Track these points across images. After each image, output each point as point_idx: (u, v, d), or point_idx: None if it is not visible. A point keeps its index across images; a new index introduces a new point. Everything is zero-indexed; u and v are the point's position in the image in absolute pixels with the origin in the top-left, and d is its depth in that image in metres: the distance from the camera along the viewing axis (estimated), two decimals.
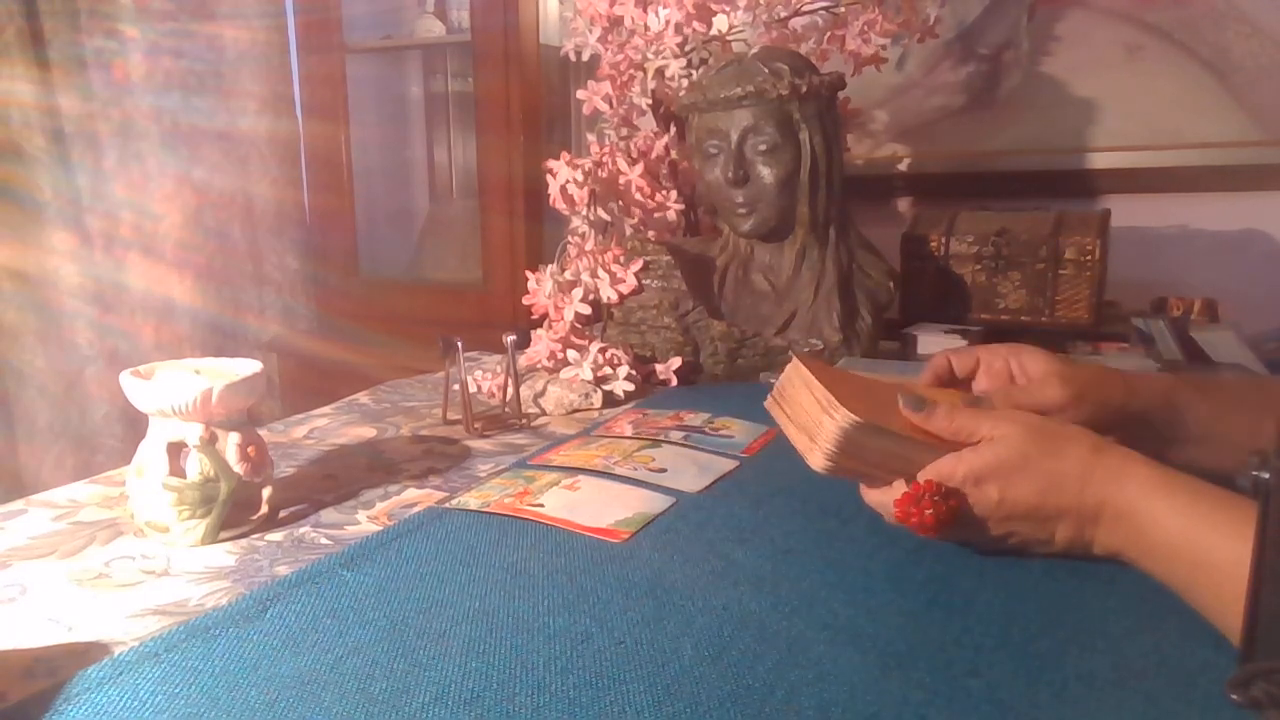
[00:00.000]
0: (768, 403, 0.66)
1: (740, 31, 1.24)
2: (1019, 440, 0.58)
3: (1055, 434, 0.58)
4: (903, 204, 1.65)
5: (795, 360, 0.64)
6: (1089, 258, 1.25)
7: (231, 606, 0.56)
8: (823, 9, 1.27)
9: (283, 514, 0.73)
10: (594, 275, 1.15)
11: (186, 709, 0.46)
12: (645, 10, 1.25)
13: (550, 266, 1.17)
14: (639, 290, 1.15)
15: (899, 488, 0.59)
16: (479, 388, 1.07)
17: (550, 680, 0.48)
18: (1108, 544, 0.57)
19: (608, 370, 1.08)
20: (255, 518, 0.71)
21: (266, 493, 0.71)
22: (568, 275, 1.16)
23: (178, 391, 0.66)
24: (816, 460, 0.59)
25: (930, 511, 0.57)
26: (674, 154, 1.32)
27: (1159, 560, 0.54)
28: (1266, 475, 0.43)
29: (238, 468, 0.68)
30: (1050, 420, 0.60)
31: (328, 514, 0.73)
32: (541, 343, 1.13)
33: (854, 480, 0.63)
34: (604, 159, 1.25)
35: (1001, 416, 0.60)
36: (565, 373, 1.08)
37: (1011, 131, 1.54)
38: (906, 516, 0.58)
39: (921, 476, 0.59)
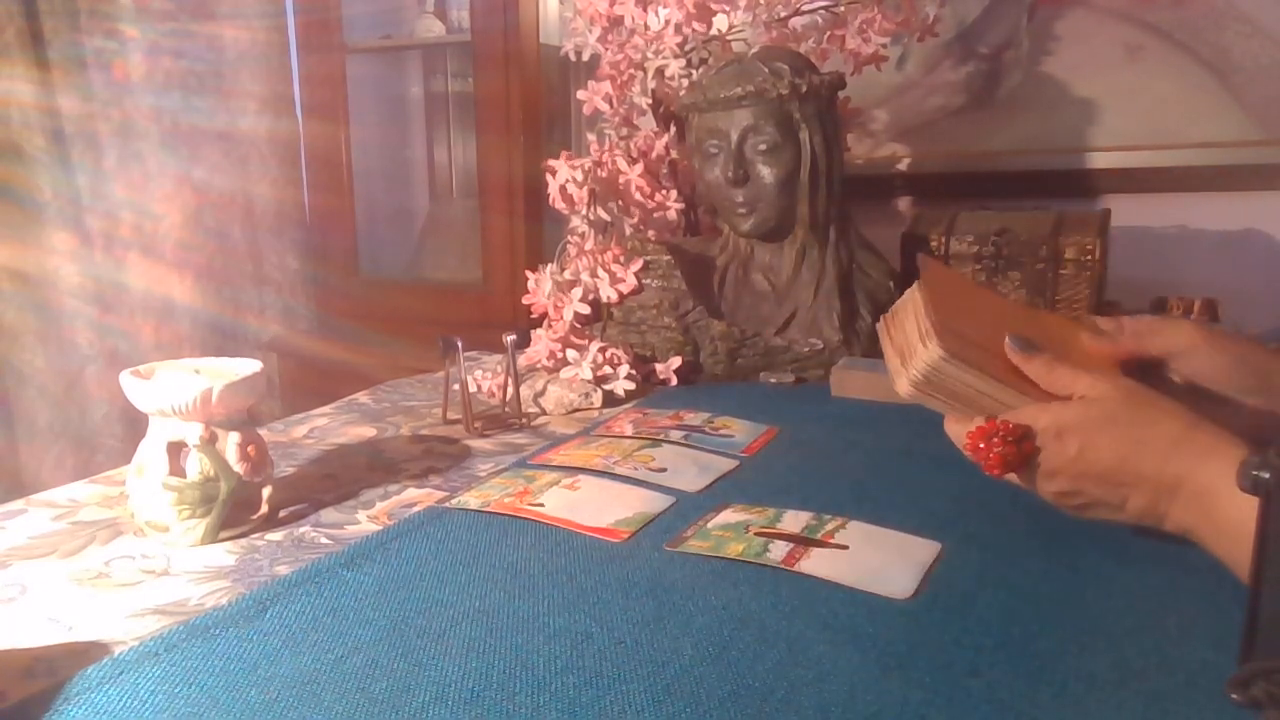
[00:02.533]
0: (879, 322, 0.65)
1: (740, 31, 1.24)
2: (1112, 402, 0.57)
3: (1151, 403, 0.57)
4: (903, 204, 1.65)
5: (919, 284, 0.63)
6: (1089, 258, 1.25)
7: (231, 606, 0.56)
8: (823, 9, 1.27)
9: (283, 514, 0.73)
10: (594, 275, 1.15)
11: (186, 709, 0.46)
12: (645, 10, 1.25)
13: (550, 266, 1.17)
14: (639, 290, 1.15)
15: (977, 422, 0.59)
16: (479, 387, 1.07)
17: (550, 680, 0.48)
18: (1181, 520, 0.55)
19: (608, 370, 1.08)
20: (255, 517, 0.71)
21: (266, 492, 0.71)
22: (568, 275, 1.16)
23: (178, 391, 0.66)
24: (901, 385, 0.60)
25: (999, 451, 0.57)
26: (674, 154, 1.32)
27: (1228, 542, 0.52)
28: (1266, 475, 0.43)
29: (238, 467, 0.68)
30: (1151, 390, 0.58)
31: (328, 514, 0.73)
32: (541, 342, 1.13)
33: (936, 410, 0.62)
34: (604, 159, 1.25)
35: (1101, 377, 0.58)
36: (565, 372, 1.08)
37: (1011, 131, 1.54)
38: (975, 451, 0.58)
39: (1002, 419, 0.58)
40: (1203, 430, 0.55)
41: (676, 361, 1.12)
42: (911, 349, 0.59)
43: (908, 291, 0.64)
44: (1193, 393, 0.62)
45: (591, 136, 1.32)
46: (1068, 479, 0.58)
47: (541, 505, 0.72)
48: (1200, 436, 0.54)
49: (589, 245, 1.19)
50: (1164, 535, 0.64)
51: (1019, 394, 0.59)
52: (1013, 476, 0.60)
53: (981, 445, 0.57)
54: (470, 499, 0.74)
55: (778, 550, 0.62)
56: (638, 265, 1.15)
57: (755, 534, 0.65)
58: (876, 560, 0.61)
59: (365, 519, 0.72)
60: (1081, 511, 0.60)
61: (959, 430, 0.61)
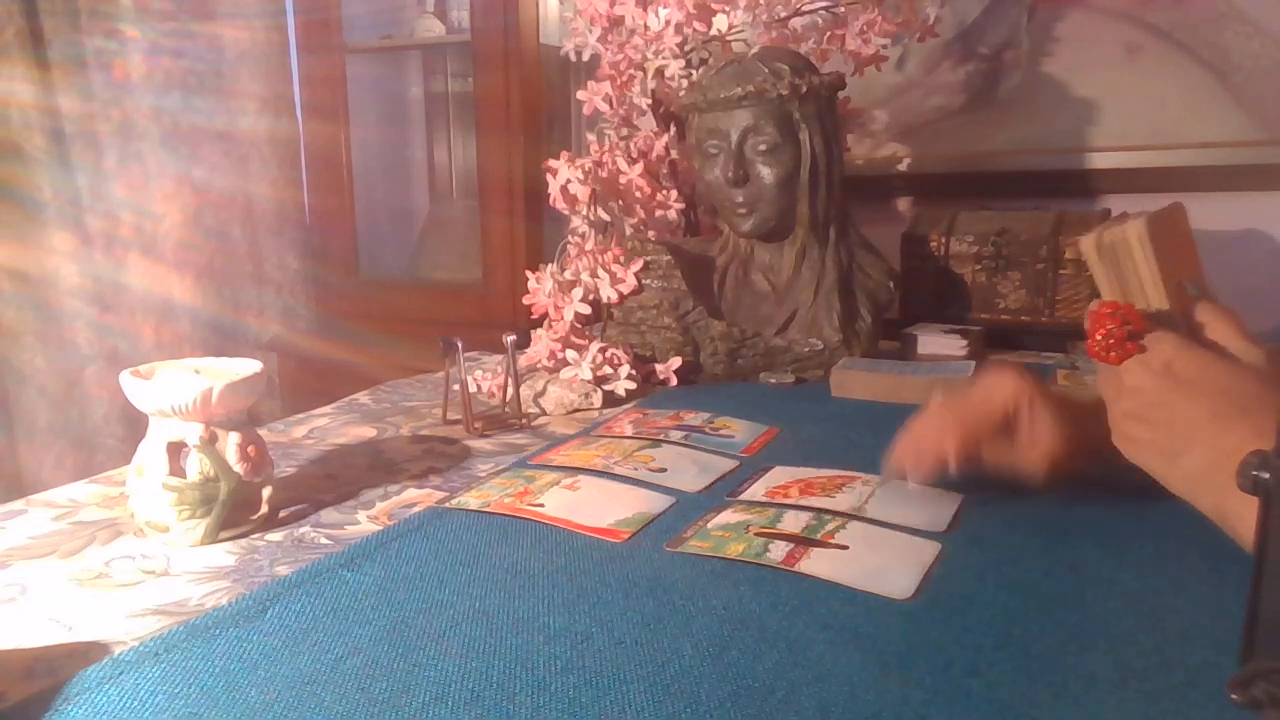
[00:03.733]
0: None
1: (740, 31, 1.24)
2: (1246, 374, 0.55)
3: (1277, 395, 0.54)
4: (903, 204, 1.65)
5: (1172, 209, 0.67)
6: (1144, 214, 1.24)
7: (231, 606, 0.56)
8: (823, 9, 1.26)
9: (283, 514, 0.73)
10: (594, 275, 1.15)
11: (186, 709, 0.46)
12: (645, 10, 1.25)
13: (550, 266, 1.17)
14: (639, 290, 1.15)
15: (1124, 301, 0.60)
16: (479, 388, 1.07)
17: (550, 680, 0.48)
18: (1223, 503, 0.53)
19: (608, 370, 1.08)
20: (255, 518, 0.71)
21: (266, 493, 0.71)
22: (568, 275, 1.16)
23: (178, 391, 0.66)
24: (1087, 240, 0.62)
25: (1110, 328, 0.57)
26: (674, 154, 1.32)
27: None
28: (1266, 475, 0.43)
29: (238, 468, 0.68)
30: None
31: (328, 514, 0.73)
32: (541, 343, 1.13)
33: (1097, 281, 0.64)
34: (604, 159, 1.25)
35: (1259, 350, 0.57)
36: (565, 373, 1.08)
37: (1011, 131, 1.54)
38: (1094, 320, 0.59)
39: (1148, 320, 0.58)
40: None
41: (676, 362, 1.12)
42: (1120, 224, 0.62)
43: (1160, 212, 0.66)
44: None
45: (591, 136, 1.32)
46: (1145, 403, 0.56)
47: (541, 505, 0.72)
48: None
49: (589, 245, 1.19)
50: (1164, 536, 0.64)
51: (1173, 313, 0.59)
52: (1104, 373, 0.59)
53: (1104, 314, 0.58)
54: (470, 499, 0.74)
55: (778, 550, 0.62)
56: (638, 265, 1.15)
57: (755, 534, 0.65)
58: (876, 560, 0.61)
59: (365, 519, 0.72)
60: (1133, 446, 0.58)
61: (1095, 308, 0.61)
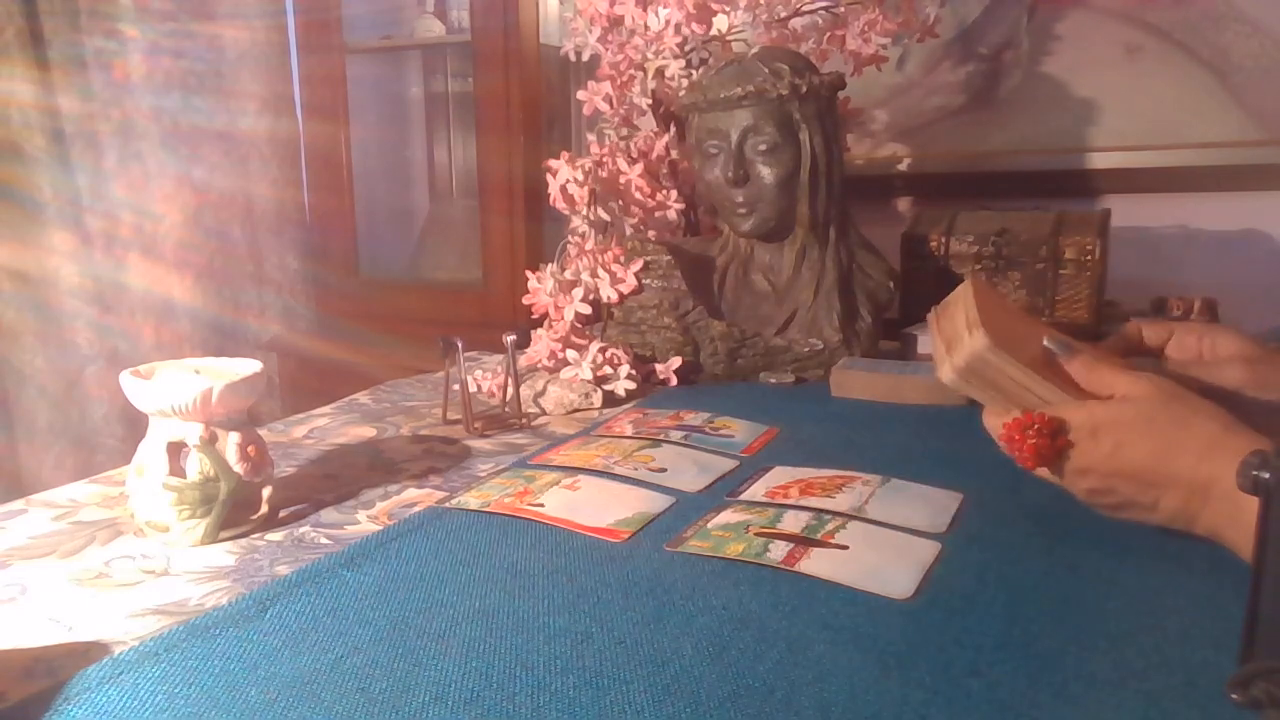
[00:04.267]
0: (930, 313, 0.69)
1: (740, 31, 1.24)
2: (1149, 403, 0.57)
3: (1188, 404, 0.57)
4: (903, 204, 1.65)
5: (969, 280, 0.66)
6: (1089, 258, 1.25)
7: (231, 606, 0.56)
8: (823, 9, 1.27)
9: (283, 514, 0.73)
10: (594, 275, 1.15)
11: (186, 709, 0.46)
12: (645, 10, 1.25)
13: (550, 266, 1.17)
14: (639, 290, 1.15)
15: (1014, 414, 0.60)
16: (479, 388, 1.07)
17: (550, 680, 0.48)
18: (1211, 522, 0.56)
19: (608, 370, 1.08)
20: (255, 518, 0.71)
21: (266, 493, 0.71)
22: (568, 275, 1.16)
23: (178, 391, 0.66)
24: (944, 372, 0.62)
25: (1033, 443, 0.58)
26: (674, 154, 1.32)
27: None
28: (1266, 475, 0.43)
29: (238, 468, 0.68)
30: (1190, 392, 0.59)
31: (328, 514, 0.73)
32: (541, 343, 1.13)
33: (976, 401, 0.65)
34: (604, 159, 1.25)
35: (1141, 378, 0.59)
36: (565, 373, 1.08)
37: (1011, 131, 1.54)
38: (1010, 443, 0.59)
39: (1039, 412, 0.59)
40: (1238, 432, 0.55)
41: (676, 361, 1.12)
42: (958, 338, 0.61)
43: (960, 287, 0.67)
44: (1236, 399, 0.63)
45: (591, 136, 1.32)
46: (1099, 477, 0.58)
47: (541, 505, 0.72)
48: (1236, 438, 0.54)
49: (589, 245, 1.19)
50: (1164, 536, 0.64)
51: (1058, 390, 0.60)
52: (1045, 471, 0.60)
53: (1016, 437, 0.59)
54: (470, 499, 0.74)
55: (778, 550, 0.62)
56: (638, 265, 1.15)
57: (755, 534, 0.65)
58: (876, 560, 0.61)
59: (365, 519, 0.72)
60: (1114, 511, 0.60)
61: (995, 422, 0.62)
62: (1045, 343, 0.62)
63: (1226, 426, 0.55)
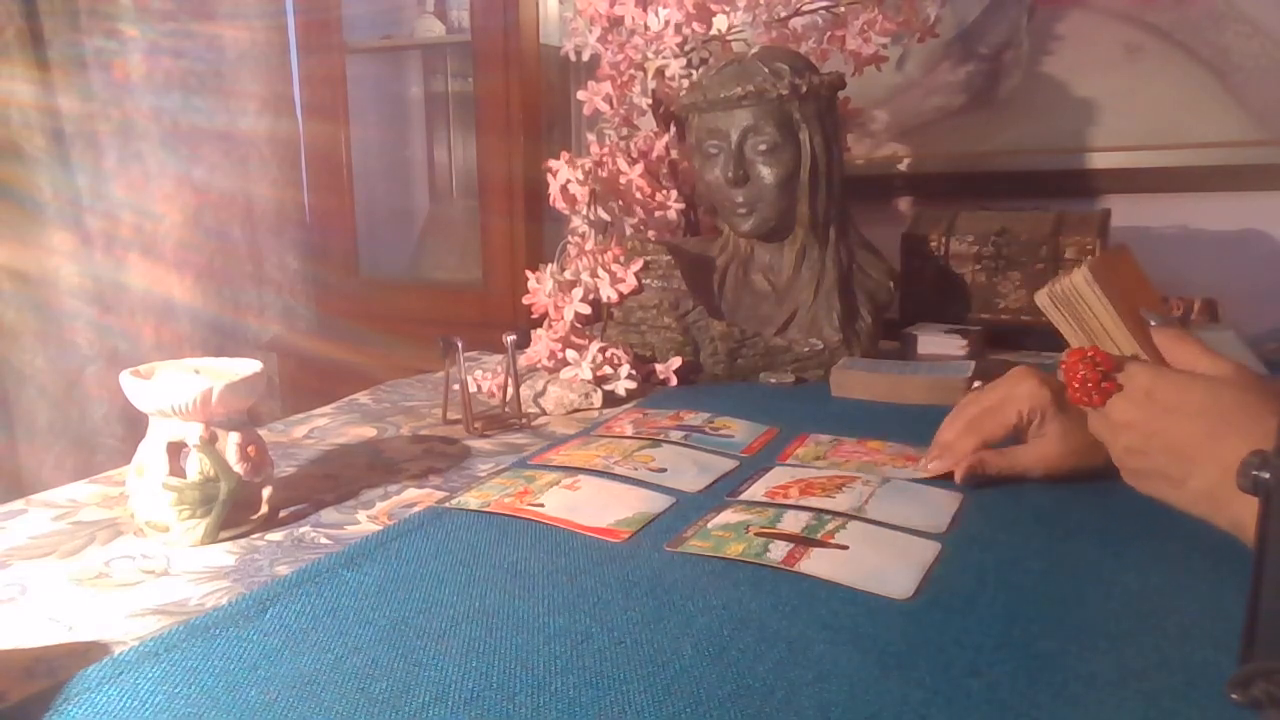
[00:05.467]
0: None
1: (740, 31, 1.24)
2: (1221, 386, 0.56)
3: (1264, 397, 0.55)
4: (903, 204, 1.65)
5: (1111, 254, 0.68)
6: (1089, 258, 1.25)
7: (231, 606, 0.56)
8: (823, 9, 1.27)
9: (283, 514, 0.73)
10: (594, 275, 1.15)
11: (186, 709, 0.46)
12: (645, 10, 1.25)
13: (550, 266, 1.17)
14: (639, 290, 1.15)
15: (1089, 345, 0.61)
16: (479, 388, 1.07)
17: (550, 680, 0.48)
18: (1239, 514, 0.54)
19: (608, 370, 1.08)
20: (255, 518, 0.71)
21: (266, 493, 0.71)
22: (568, 275, 1.16)
23: (178, 391, 0.66)
24: (1041, 294, 0.64)
25: (1083, 374, 0.58)
26: (674, 154, 1.32)
27: None
28: (1266, 475, 0.43)
29: (238, 468, 0.68)
30: (1270, 391, 0.57)
31: (328, 514, 0.73)
32: (541, 343, 1.13)
33: (1058, 326, 0.66)
34: (604, 159, 1.25)
35: (1224, 362, 0.58)
36: (565, 373, 1.08)
37: (1011, 131, 1.54)
38: (1066, 370, 0.60)
39: (1117, 359, 0.59)
40: None
41: (676, 361, 1.12)
42: (1069, 272, 0.63)
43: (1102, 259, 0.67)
44: None
45: (591, 136, 1.32)
46: (1141, 436, 0.58)
47: (541, 505, 0.72)
48: None
49: (589, 245, 1.19)
50: (1164, 536, 0.64)
51: (1136, 343, 0.60)
52: (1095, 423, 0.61)
53: (1073, 363, 0.59)
54: (470, 499, 0.74)
55: (778, 550, 0.62)
56: (638, 265, 1.15)
57: (755, 534, 0.65)
58: (876, 560, 0.61)
59: (365, 519, 0.72)
60: (1140, 479, 0.60)
61: (1071, 345, 0.63)
62: (1142, 311, 0.62)
63: None
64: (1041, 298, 0.65)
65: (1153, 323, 0.62)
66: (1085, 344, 0.62)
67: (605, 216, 1.22)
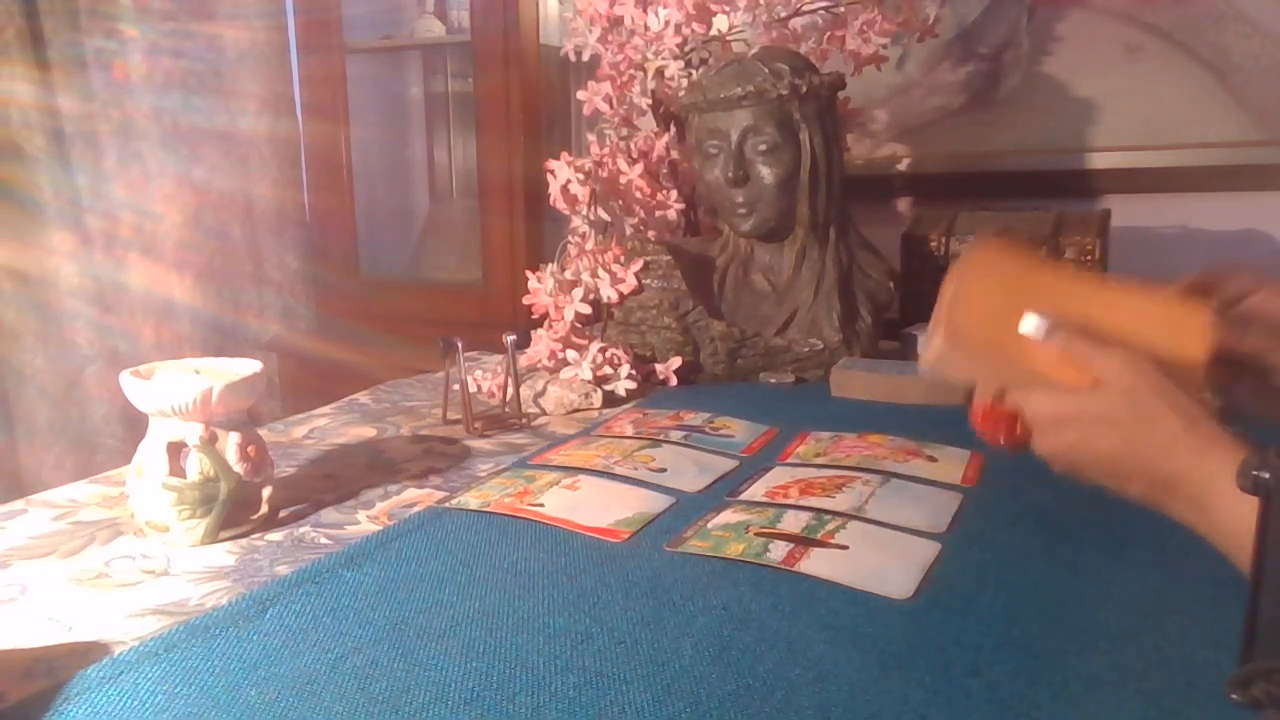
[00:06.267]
0: (944, 284, 0.64)
1: (740, 31, 1.24)
2: (1117, 395, 0.56)
3: (1159, 396, 0.55)
4: (903, 204, 1.65)
5: (970, 249, 0.63)
6: (1089, 258, 1.25)
7: (231, 606, 0.56)
8: (823, 9, 1.26)
9: (283, 514, 0.73)
10: (594, 275, 1.15)
11: (186, 709, 0.46)
12: (645, 10, 1.25)
13: (550, 266, 1.17)
14: (639, 290, 1.15)
15: (983, 399, 0.60)
16: (479, 388, 1.07)
17: (550, 680, 0.48)
18: (1181, 516, 0.55)
19: (608, 370, 1.08)
20: (255, 518, 0.71)
21: (266, 493, 0.71)
22: (568, 275, 1.16)
23: (178, 391, 0.66)
24: (921, 361, 0.63)
25: (992, 429, 0.59)
26: (674, 154, 1.32)
27: (1228, 540, 0.51)
28: (1266, 475, 0.43)
29: (238, 468, 0.68)
30: (1164, 380, 0.56)
31: (328, 514, 0.73)
32: (541, 343, 1.13)
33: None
34: (604, 159, 1.25)
35: (1116, 362, 0.56)
36: (565, 373, 1.08)
37: (1011, 131, 1.54)
38: (982, 430, 0.60)
39: (1010, 400, 0.59)
40: (1201, 429, 0.54)
41: (676, 362, 1.12)
42: (936, 322, 0.61)
43: (972, 250, 0.64)
44: None
45: (591, 136, 1.32)
46: (1065, 465, 0.58)
47: (541, 505, 0.72)
48: (1198, 435, 0.53)
49: (589, 245, 1.19)
50: (1164, 536, 0.64)
51: (1030, 373, 0.58)
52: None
53: (980, 421, 0.60)
54: (470, 499, 0.74)
55: (778, 550, 0.62)
56: (638, 265, 1.15)
57: (755, 534, 0.65)
58: (876, 560, 0.61)
59: (365, 519, 0.72)
60: (1090, 481, 0.59)
61: (974, 405, 0.62)
62: (1021, 326, 0.59)
63: (1190, 421, 0.54)
64: (922, 368, 0.63)
65: (1033, 336, 0.59)
66: (987, 388, 0.61)
67: (605, 216, 1.22)
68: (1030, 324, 0.59)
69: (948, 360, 0.60)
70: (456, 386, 0.97)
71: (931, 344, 0.61)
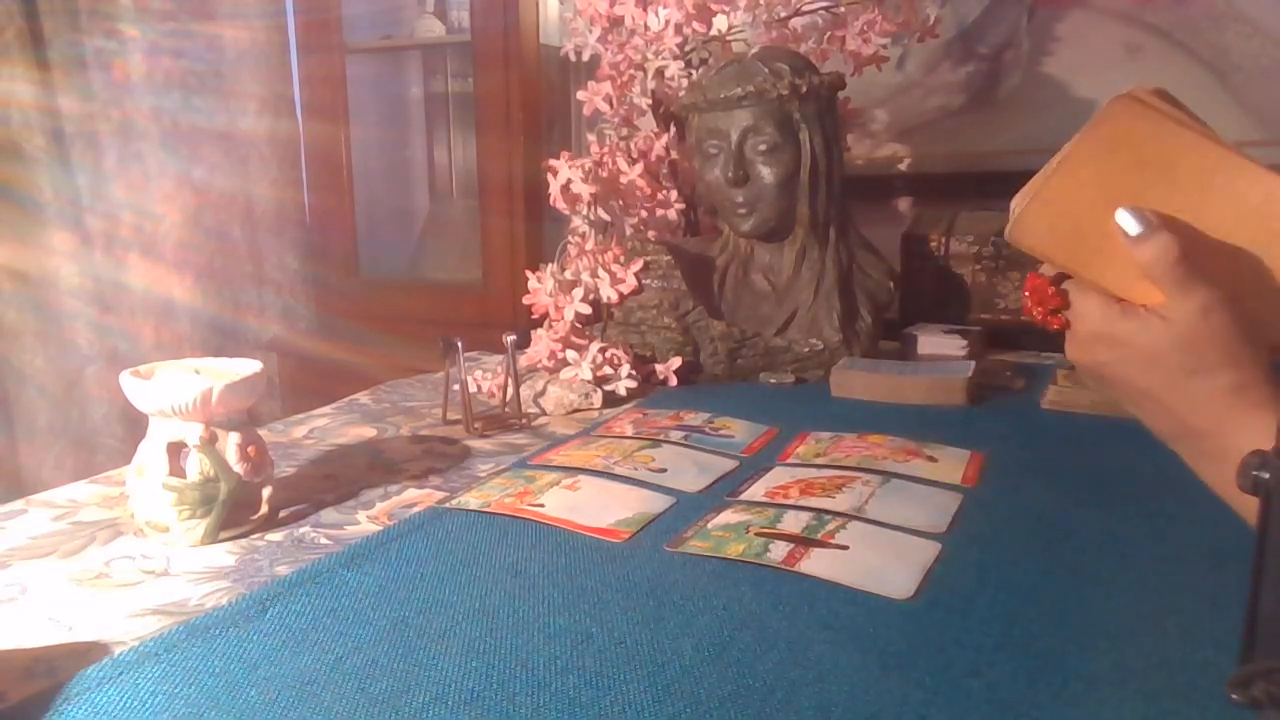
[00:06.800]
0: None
1: (740, 31, 1.24)
2: (1175, 338, 0.52)
3: (1222, 350, 0.51)
4: (903, 204, 1.65)
5: (1112, 106, 0.58)
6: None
7: (231, 606, 0.56)
8: (823, 9, 1.26)
9: (283, 514, 0.73)
10: (594, 275, 1.15)
11: (186, 709, 0.46)
12: (645, 10, 1.25)
13: (550, 266, 1.17)
14: (639, 290, 1.15)
15: (1043, 273, 0.58)
16: (479, 388, 1.07)
17: (550, 680, 0.48)
18: (1195, 465, 0.53)
19: (608, 370, 1.08)
20: (255, 518, 0.71)
21: (266, 493, 0.71)
22: (568, 275, 1.16)
23: (178, 391, 0.66)
24: (1008, 227, 0.58)
25: (1032, 307, 0.57)
26: (674, 154, 1.32)
27: (1242, 507, 0.48)
28: (1266, 475, 0.43)
29: (238, 468, 0.68)
30: (1236, 331, 0.51)
31: (328, 514, 0.73)
32: (541, 343, 1.13)
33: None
34: (604, 159, 1.25)
35: (1192, 305, 0.51)
36: (565, 373, 1.08)
37: (1011, 131, 1.54)
38: (1026, 301, 0.58)
39: (1070, 288, 0.56)
40: (1251, 392, 0.50)
41: (676, 362, 1.12)
42: (1035, 186, 0.58)
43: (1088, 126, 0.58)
44: None
45: (591, 136, 1.32)
46: (1091, 377, 0.57)
47: (542, 505, 0.72)
48: (1244, 397, 0.50)
49: (589, 245, 1.19)
50: (1163, 536, 0.64)
51: (1101, 270, 0.54)
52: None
53: (1025, 293, 0.57)
54: (470, 499, 0.74)
55: (778, 550, 0.62)
56: (638, 265, 1.15)
57: (755, 534, 0.65)
58: (876, 560, 0.61)
59: (365, 519, 0.72)
60: (1108, 396, 0.57)
61: (1032, 274, 0.59)
62: (1116, 217, 0.54)
63: (1240, 383, 0.50)
64: (1007, 234, 0.59)
65: (1126, 231, 0.54)
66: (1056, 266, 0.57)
67: (605, 216, 1.22)
68: (1127, 221, 0.54)
69: (1028, 229, 0.57)
70: (456, 386, 0.97)
71: (1018, 208, 0.58)
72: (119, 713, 0.45)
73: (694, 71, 1.25)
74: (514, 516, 0.70)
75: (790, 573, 0.59)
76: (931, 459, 0.81)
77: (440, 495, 0.77)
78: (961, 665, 0.49)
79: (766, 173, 1.13)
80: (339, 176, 2.04)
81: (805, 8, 1.26)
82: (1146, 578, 0.59)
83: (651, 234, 1.29)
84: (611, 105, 1.30)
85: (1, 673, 0.50)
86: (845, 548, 0.63)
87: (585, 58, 1.33)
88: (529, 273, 1.18)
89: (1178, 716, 0.44)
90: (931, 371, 1.06)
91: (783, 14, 1.24)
